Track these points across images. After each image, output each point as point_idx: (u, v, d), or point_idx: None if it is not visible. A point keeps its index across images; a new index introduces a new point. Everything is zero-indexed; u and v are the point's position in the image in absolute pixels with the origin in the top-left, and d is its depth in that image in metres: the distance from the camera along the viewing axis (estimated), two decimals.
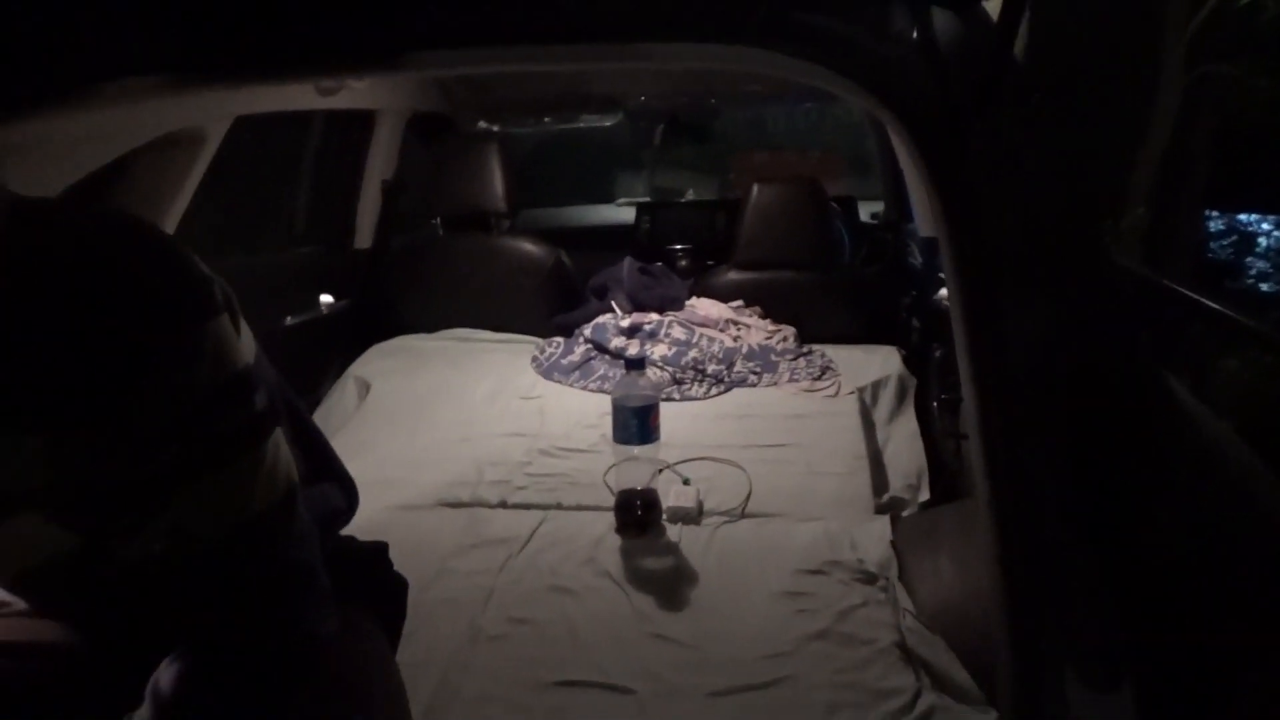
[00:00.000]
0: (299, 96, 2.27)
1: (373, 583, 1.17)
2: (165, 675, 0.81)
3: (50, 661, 0.95)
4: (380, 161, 3.02)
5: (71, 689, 0.93)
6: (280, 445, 0.88)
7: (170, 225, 1.93)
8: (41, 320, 0.74)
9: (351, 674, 0.95)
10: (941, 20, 1.01)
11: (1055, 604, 0.78)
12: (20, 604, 0.97)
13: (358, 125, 2.94)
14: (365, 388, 2.63)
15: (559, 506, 1.91)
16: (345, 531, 1.19)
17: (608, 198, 4.38)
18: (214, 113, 1.92)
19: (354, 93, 2.54)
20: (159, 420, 0.79)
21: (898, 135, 1.04)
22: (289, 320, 2.59)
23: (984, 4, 1.06)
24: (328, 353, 2.85)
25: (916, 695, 1.27)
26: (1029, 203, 0.95)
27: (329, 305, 2.80)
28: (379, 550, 1.21)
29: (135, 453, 0.80)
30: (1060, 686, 0.77)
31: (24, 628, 0.97)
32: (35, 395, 0.78)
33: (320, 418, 2.49)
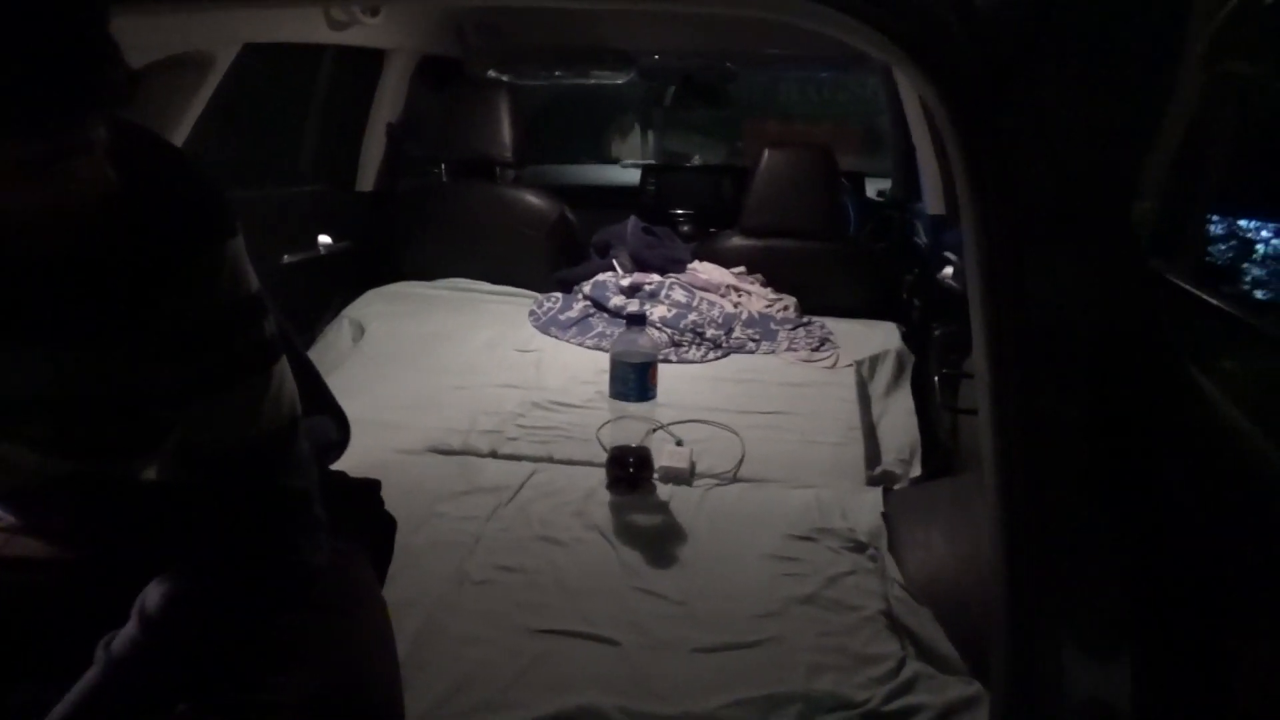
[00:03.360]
0: (310, 29, 2.21)
1: (363, 518, 1.16)
2: (152, 594, 0.81)
3: (36, 576, 0.94)
4: (387, 104, 2.97)
5: (57, 604, 0.92)
6: (286, 374, 0.87)
7: None
8: (66, 231, 0.70)
9: (339, 602, 0.95)
10: None
11: (1058, 567, 0.78)
12: (9, 519, 0.96)
13: (367, 66, 2.88)
14: (360, 330, 2.61)
15: (550, 459, 1.90)
16: (335, 468, 1.18)
17: (613, 158, 4.32)
18: (223, 37, 1.87)
19: (366, 30, 2.48)
20: (174, 336, 0.78)
21: (925, 92, 1.01)
22: (286, 258, 2.56)
23: None
24: (324, 293, 2.82)
25: (901, 663, 1.27)
26: (1060, 166, 0.93)
27: (327, 246, 2.76)
28: (371, 487, 1.21)
29: (148, 368, 0.79)
30: (1056, 650, 0.76)
31: (11, 543, 0.96)
32: (51, 306, 0.76)
33: (313, 357, 2.46)
